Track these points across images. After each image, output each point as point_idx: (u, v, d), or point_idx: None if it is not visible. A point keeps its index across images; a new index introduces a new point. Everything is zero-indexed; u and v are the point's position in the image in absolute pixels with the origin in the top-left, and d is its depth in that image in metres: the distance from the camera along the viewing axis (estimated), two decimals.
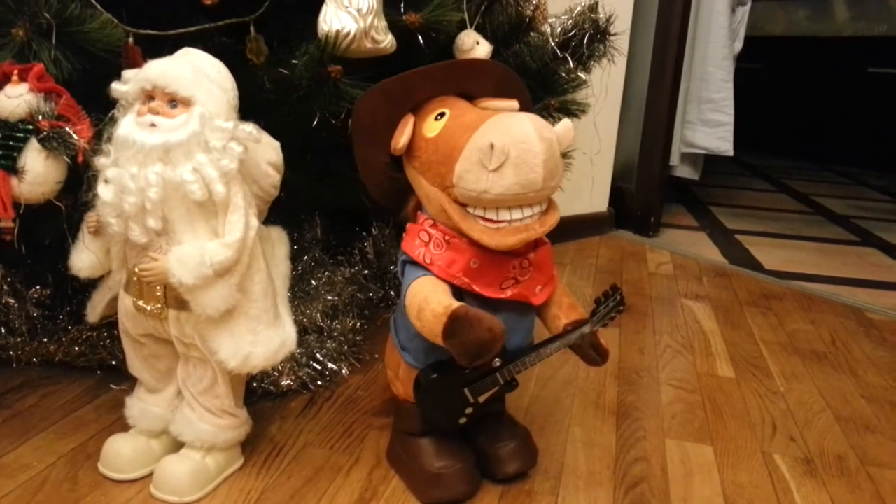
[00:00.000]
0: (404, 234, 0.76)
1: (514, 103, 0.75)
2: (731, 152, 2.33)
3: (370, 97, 0.75)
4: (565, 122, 0.68)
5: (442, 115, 0.73)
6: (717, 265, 1.91)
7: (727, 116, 2.30)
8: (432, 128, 0.72)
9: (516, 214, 0.68)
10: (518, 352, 0.76)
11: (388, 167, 0.77)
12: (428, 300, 0.68)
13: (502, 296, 0.72)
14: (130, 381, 0.85)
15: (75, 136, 0.70)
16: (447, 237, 0.71)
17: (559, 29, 1.16)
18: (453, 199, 0.69)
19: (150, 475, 0.78)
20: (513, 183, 0.65)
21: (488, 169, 0.65)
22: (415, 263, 0.73)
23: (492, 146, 0.64)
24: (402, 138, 0.74)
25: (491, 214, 0.68)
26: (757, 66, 4.05)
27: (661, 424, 1.01)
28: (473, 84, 0.77)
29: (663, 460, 0.92)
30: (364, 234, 1.31)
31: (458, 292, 0.71)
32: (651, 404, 1.07)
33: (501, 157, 0.64)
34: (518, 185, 0.65)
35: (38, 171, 0.70)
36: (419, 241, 0.73)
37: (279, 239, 0.84)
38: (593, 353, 0.78)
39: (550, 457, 0.90)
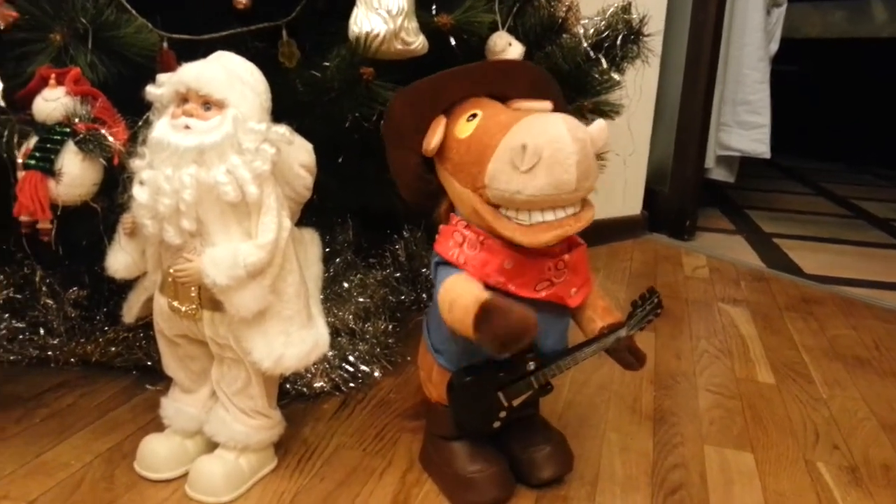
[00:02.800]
0: (437, 236, 0.75)
1: (548, 104, 0.73)
2: (767, 155, 2.29)
3: (400, 99, 0.75)
4: (599, 123, 0.66)
5: (474, 115, 0.72)
6: (755, 269, 1.87)
7: (763, 118, 2.26)
8: (464, 129, 0.71)
9: (549, 216, 0.66)
10: (553, 355, 0.75)
11: (420, 169, 0.76)
12: (459, 294, 0.67)
13: (536, 296, 0.71)
14: (166, 382, 0.86)
15: (111, 139, 0.71)
16: (481, 238, 0.70)
17: (592, 30, 1.14)
18: (485, 200, 0.68)
19: (185, 475, 0.79)
20: (545, 184, 0.63)
21: (520, 170, 0.63)
22: (447, 264, 0.72)
23: (524, 147, 0.63)
24: (433, 139, 0.73)
25: (523, 217, 0.66)
26: (794, 68, 3.97)
27: (699, 430, 0.99)
28: (505, 85, 0.76)
29: (702, 467, 0.89)
30: (396, 236, 1.31)
31: (491, 292, 0.70)
32: (688, 410, 1.05)
33: (534, 158, 0.62)
34: (551, 187, 0.63)
35: (74, 173, 0.71)
36: (453, 242, 0.72)
37: (312, 241, 0.84)
38: (630, 357, 0.77)
39: (586, 462, 0.89)
